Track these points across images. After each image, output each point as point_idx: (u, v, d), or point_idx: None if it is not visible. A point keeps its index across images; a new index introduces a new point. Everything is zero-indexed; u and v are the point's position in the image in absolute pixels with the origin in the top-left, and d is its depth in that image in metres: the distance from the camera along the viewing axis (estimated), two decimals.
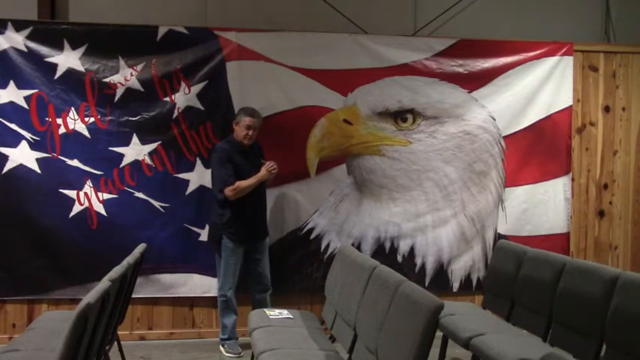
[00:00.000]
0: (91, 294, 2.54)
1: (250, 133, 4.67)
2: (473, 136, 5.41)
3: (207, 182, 4.96)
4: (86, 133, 4.95)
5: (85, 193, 4.94)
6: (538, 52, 5.51)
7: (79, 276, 4.88)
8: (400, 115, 5.30)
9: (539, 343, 3.57)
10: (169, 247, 5.04)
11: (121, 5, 5.26)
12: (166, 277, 5.07)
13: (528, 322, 3.88)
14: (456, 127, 5.38)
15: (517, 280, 4.08)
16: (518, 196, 5.51)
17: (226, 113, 5.06)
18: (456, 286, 5.44)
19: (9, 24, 4.83)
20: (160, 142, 5.02)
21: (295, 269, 5.18)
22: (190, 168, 5.06)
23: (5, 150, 4.85)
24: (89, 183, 4.94)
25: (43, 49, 4.88)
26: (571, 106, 5.57)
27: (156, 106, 5.02)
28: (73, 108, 4.93)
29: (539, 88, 5.51)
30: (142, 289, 4.98)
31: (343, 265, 4.05)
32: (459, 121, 5.39)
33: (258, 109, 4.80)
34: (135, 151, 4.99)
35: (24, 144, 4.87)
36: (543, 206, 5.54)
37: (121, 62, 4.97)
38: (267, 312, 4.12)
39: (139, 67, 4.99)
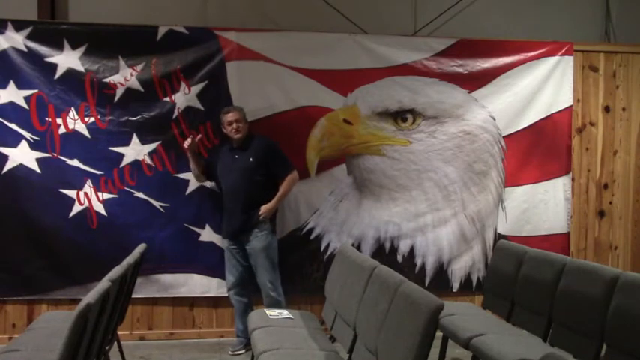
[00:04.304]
0: (91, 294, 2.54)
1: (234, 126, 4.70)
2: (473, 136, 5.41)
3: (207, 182, 4.98)
4: (86, 133, 4.95)
5: (85, 193, 4.94)
6: (538, 52, 5.51)
7: (79, 276, 4.88)
8: (400, 115, 5.30)
9: (539, 343, 3.56)
10: (169, 247, 5.04)
11: (121, 5, 5.26)
12: (166, 277, 5.07)
13: (528, 322, 3.88)
14: (456, 127, 5.38)
15: (517, 280, 4.07)
16: (518, 196, 5.51)
17: None
18: (456, 286, 5.44)
19: (9, 24, 4.83)
20: (159, 142, 5.02)
21: (295, 269, 5.17)
22: (190, 168, 5.06)
23: (5, 150, 4.85)
24: (89, 183, 4.94)
25: (43, 49, 4.88)
26: (571, 106, 5.57)
27: (156, 106, 5.01)
28: (73, 108, 4.92)
29: (539, 88, 5.51)
30: (142, 289, 4.98)
31: (343, 265, 4.05)
32: (459, 121, 5.39)
33: (258, 109, 4.85)
34: (135, 151, 4.99)
35: (24, 144, 4.87)
36: (543, 206, 5.54)
37: (121, 62, 4.97)
38: (267, 312, 4.13)
39: (139, 67, 4.99)
